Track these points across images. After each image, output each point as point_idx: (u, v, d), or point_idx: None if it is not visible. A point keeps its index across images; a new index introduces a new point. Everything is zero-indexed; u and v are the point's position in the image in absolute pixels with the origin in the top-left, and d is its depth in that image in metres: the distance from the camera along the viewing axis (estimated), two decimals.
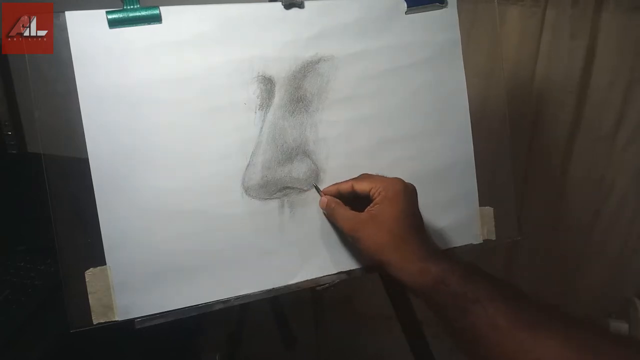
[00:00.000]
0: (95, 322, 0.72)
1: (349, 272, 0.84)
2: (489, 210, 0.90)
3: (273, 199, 0.80)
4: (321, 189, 0.81)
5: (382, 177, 0.77)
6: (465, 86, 0.87)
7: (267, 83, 0.78)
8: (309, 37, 0.79)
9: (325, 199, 0.79)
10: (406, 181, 0.75)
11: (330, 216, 0.79)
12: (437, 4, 0.84)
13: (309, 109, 0.80)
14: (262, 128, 0.78)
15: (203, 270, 0.77)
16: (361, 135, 0.83)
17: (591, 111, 1.45)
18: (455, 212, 0.89)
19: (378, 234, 0.71)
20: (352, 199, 0.77)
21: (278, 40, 0.78)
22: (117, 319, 0.73)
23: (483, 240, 0.90)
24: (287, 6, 0.78)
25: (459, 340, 0.64)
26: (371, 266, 0.83)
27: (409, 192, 0.74)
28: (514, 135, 0.95)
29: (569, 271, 1.63)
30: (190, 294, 0.76)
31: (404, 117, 0.85)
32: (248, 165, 0.78)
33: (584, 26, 1.36)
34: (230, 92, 0.77)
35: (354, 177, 0.79)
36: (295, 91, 0.80)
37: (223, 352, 1.21)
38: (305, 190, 0.81)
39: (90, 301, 0.72)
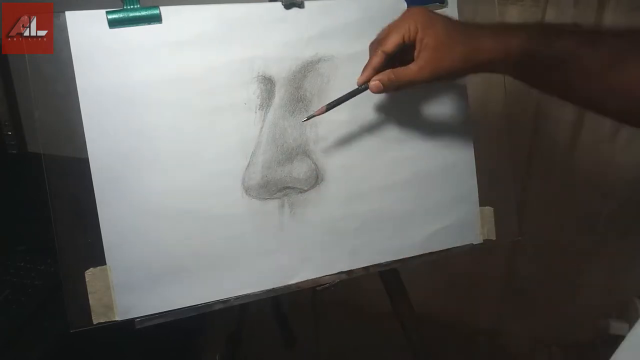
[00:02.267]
0: (95, 322, 0.73)
1: (348, 272, 0.84)
2: (489, 210, 0.90)
3: (273, 198, 0.80)
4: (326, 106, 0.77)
5: (394, 23, 0.73)
6: (466, 86, 0.88)
7: (268, 83, 0.78)
8: (309, 37, 0.79)
9: (375, 82, 0.73)
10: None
11: (397, 85, 0.72)
12: (437, 3, 0.84)
13: (309, 108, 0.80)
14: (262, 128, 0.79)
15: (203, 270, 0.77)
16: (361, 135, 0.83)
17: (591, 112, 1.45)
18: (456, 212, 0.89)
19: (454, 52, 0.69)
20: (384, 68, 0.73)
21: (278, 40, 0.78)
22: (117, 319, 0.73)
23: (483, 240, 0.90)
24: (287, 6, 0.78)
25: (558, 94, 0.69)
26: None
27: (427, 9, 0.72)
28: (514, 135, 0.95)
29: (569, 271, 1.63)
30: (190, 294, 0.77)
31: (403, 117, 0.85)
32: (248, 165, 0.78)
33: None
34: (230, 92, 0.77)
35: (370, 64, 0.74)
36: (295, 91, 0.80)
37: (223, 352, 1.21)
38: (306, 190, 0.81)
39: (90, 301, 0.72)
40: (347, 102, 0.80)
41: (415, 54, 0.71)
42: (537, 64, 0.66)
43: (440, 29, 0.69)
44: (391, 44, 0.71)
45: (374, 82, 0.73)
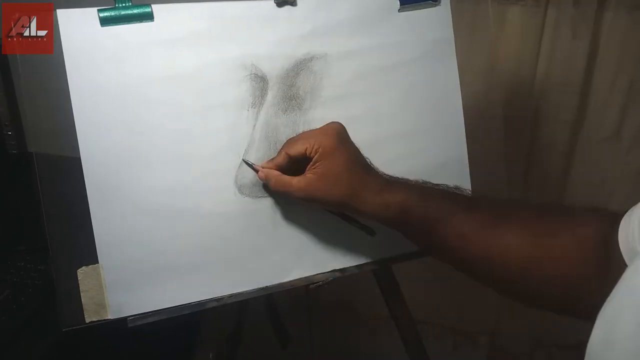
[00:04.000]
0: (87, 320, 0.73)
1: (342, 270, 0.84)
2: None
3: (266, 197, 0.80)
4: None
5: (310, 132, 0.78)
6: (459, 84, 0.87)
7: (260, 81, 0.78)
8: (302, 34, 0.79)
9: (263, 171, 0.76)
10: (331, 123, 0.77)
11: (275, 187, 0.76)
12: (431, 1, 0.84)
13: (302, 106, 0.80)
14: (255, 126, 0.78)
15: (196, 269, 0.77)
16: (354, 133, 0.81)
17: (593, 112, 1.44)
18: None
19: (334, 190, 0.72)
20: (289, 167, 0.76)
21: (271, 38, 0.78)
22: (109, 317, 0.74)
23: None
24: (280, 4, 0.78)
25: (432, 251, 0.75)
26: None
27: (341, 135, 0.75)
28: (513, 135, 0.95)
29: None
30: (183, 292, 0.77)
31: (397, 115, 0.84)
32: (241, 164, 0.78)
33: (586, 26, 1.35)
34: (223, 90, 0.77)
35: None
36: (288, 89, 0.80)
37: (216, 351, 1.20)
38: None
39: (82, 299, 0.72)
40: (339, 100, 0.82)
41: (306, 170, 0.74)
42: (413, 222, 0.70)
43: (336, 163, 0.72)
44: (294, 150, 0.74)
45: (261, 172, 0.77)
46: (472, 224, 0.66)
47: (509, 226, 0.65)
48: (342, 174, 0.72)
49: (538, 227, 0.64)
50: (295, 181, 0.73)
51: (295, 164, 0.75)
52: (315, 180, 0.72)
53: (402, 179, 0.76)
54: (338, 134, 0.74)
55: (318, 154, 0.72)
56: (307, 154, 0.73)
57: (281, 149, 0.78)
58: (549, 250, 0.61)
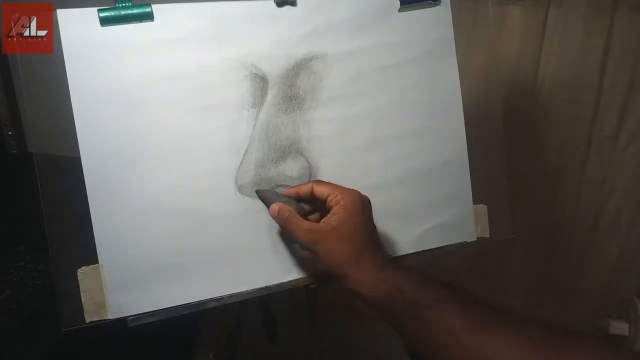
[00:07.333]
0: (87, 320, 0.73)
1: None
2: (482, 208, 0.89)
3: None
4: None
5: (339, 186, 0.75)
6: (459, 84, 0.87)
7: (260, 81, 0.78)
8: (302, 34, 0.79)
9: (276, 206, 0.75)
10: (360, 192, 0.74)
11: (283, 225, 0.74)
12: (431, 1, 0.84)
13: (302, 106, 0.80)
14: (255, 126, 0.78)
15: (196, 269, 0.77)
16: (355, 133, 0.82)
17: (593, 111, 1.44)
18: (449, 209, 0.88)
19: (339, 247, 0.69)
20: (306, 200, 0.77)
21: (271, 38, 0.78)
22: (109, 317, 0.73)
23: (477, 238, 0.90)
24: (280, 4, 0.78)
25: (417, 346, 0.66)
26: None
27: (365, 204, 0.73)
28: (513, 134, 0.95)
29: (568, 271, 1.62)
30: (183, 292, 0.76)
31: (397, 115, 0.84)
32: (241, 164, 0.78)
33: (587, 26, 1.36)
34: (223, 90, 0.77)
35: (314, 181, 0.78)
36: (288, 89, 0.80)
37: (216, 351, 1.21)
38: None
39: (82, 299, 0.72)
40: (339, 100, 0.82)
41: (321, 220, 0.73)
42: (405, 304, 0.64)
43: (351, 222, 0.70)
44: (320, 190, 0.75)
45: (275, 206, 0.75)
46: (464, 321, 0.60)
47: (505, 334, 0.58)
48: (353, 236, 0.70)
49: (540, 343, 0.57)
50: (305, 224, 0.72)
51: (311, 202, 0.77)
52: (324, 231, 0.70)
53: (403, 261, 0.75)
54: (362, 200, 0.73)
55: (337, 205, 0.71)
56: (327, 201, 0.73)
57: (311, 182, 0.78)
58: None
